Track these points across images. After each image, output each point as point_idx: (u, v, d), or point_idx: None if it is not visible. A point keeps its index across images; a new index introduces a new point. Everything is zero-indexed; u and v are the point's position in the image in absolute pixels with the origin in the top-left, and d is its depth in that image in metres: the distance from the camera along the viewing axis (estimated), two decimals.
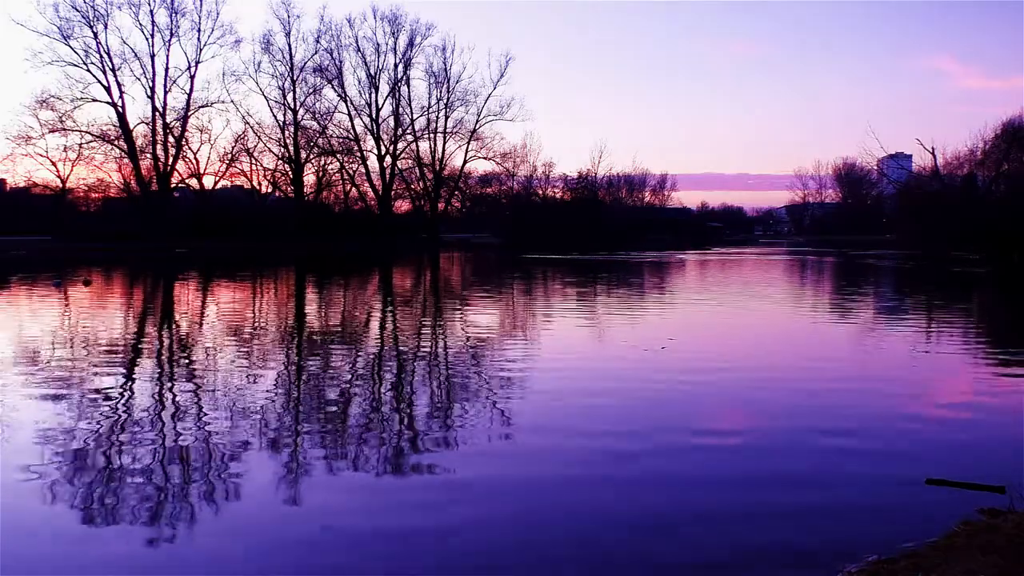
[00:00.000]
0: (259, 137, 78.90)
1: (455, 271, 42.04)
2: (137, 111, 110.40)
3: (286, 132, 79.81)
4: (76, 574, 4.84)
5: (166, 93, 74.15)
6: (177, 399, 9.46)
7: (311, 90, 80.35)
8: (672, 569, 4.92)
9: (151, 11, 72.36)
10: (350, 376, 11.21)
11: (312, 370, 11.67)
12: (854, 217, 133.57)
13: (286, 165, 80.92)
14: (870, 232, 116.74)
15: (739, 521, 5.65)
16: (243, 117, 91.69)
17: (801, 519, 5.71)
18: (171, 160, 74.85)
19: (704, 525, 5.59)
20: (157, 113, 73.87)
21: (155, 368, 11.80)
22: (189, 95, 74.56)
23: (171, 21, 73.02)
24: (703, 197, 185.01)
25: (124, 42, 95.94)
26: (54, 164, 72.84)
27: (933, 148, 72.86)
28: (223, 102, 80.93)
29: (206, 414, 8.64)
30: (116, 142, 72.91)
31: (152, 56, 73.25)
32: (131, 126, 73.19)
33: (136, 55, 76.11)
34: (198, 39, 74.02)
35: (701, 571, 4.89)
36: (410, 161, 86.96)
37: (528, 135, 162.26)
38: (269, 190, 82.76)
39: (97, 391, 9.81)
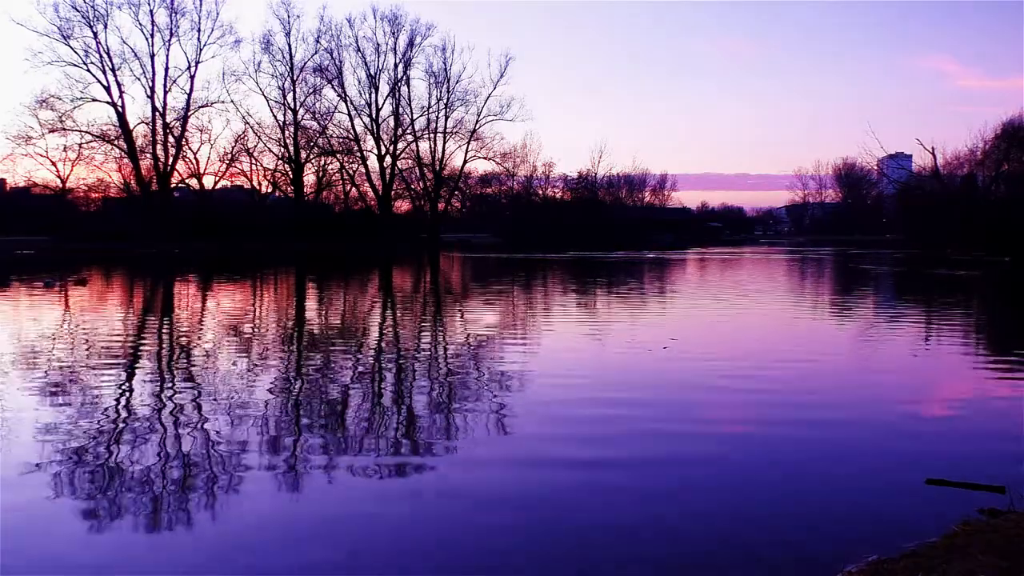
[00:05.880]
0: (259, 137, 79.07)
1: (455, 271, 42.05)
2: (137, 111, 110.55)
3: (286, 132, 79.90)
4: (77, 574, 4.83)
5: (166, 93, 74.30)
6: (171, 400, 9.45)
7: (311, 90, 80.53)
8: (669, 568, 4.91)
9: (151, 11, 72.51)
10: (348, 377, 11.21)
11: (310, 371, 11.66)
12: (854, 217, 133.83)
13: (286, 165, 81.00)
14: (870, 232, 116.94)
15: (738, 520, 5.65)
16: (243, 117, 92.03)
17: (800, 519, 5.71)
18: (171, 160, 74.93)
19: (702, 523, 5.59)
20: (157, 113, 74.00)
21: (147, 369, 11.78)
22: (189, 95, 74.70)
23: (171, 21, 73.18)
24: (703, 197, 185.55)
25: (124, 42, 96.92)
26: (54, 164, 73.10)
27: (933, 148, 72.82)
28: (223, 102, 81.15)
29: (204, 414, 8.63)
30: (116, 142, 73.01)
31: (152, 56, 73.39)
32: (131, 126, 73.34)
33: (136, 55, 76.53)
34: (198, 39, 74.18)
35: (700, 570, 4.89)
36: (410, 161, 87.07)
37: (528, 135, 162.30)
38: (269, 190, 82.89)
39: (82, 392, 9.80)
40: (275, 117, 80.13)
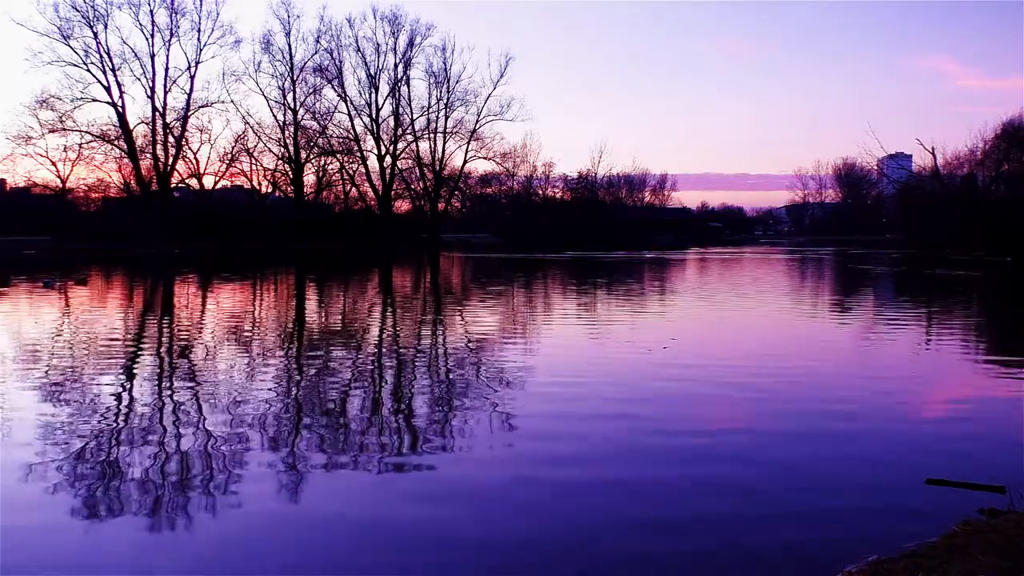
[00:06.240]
0: (259, 137, 79.03)
1: (455, 271, 42.05)
2: (137, 111, 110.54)
3: (286, 132, 79.90)
4: (76, 574, 4.83)
5: (166, 93, 74.27)
6: (170, 401, 9.45)
7: (311, 90, 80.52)
8: (670, 569, 4.91)
9: (151, 11, 72.48)
10: (346, 380, 11.20)
11: (310, 371, 11.66)
12: (854, 217, 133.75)
13: (286, 165, 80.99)
14: (870, 232, 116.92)
15: (739, 520, 5.65)
16: (243, 117, 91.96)
17: (801, 519, 5.71)
18: (171, 160, 74.91)
19: (703, 524, 5.59)
20: (157, 113, 73.97)
21: (147, 370, 11.78)
22: (189, 95, 74.67)
23: (171, 21, 73.15)
24: (703, 197, 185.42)
25: (124, 42, 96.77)
26: (54, 164, 73.05)
27: (933, 148, 72.81)
28: (223, 102, 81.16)
29: (203, 415, 8.63)
30: (116, 142, 72.98)
31: (152, 56, 73.35)
32: (131, 126, 73.30)
33: (136, 55, 76.54)
34: (198, 39, 74.15)
35: (700, 570, 4.89)
36: (410, 161, 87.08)
37: (528, 135, 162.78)
38: (269, 190, 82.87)
39: (82, 393, 9.80)
40: (275, 117, 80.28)
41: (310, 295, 26.64)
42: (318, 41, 79.84)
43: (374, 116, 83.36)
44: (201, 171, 78.62)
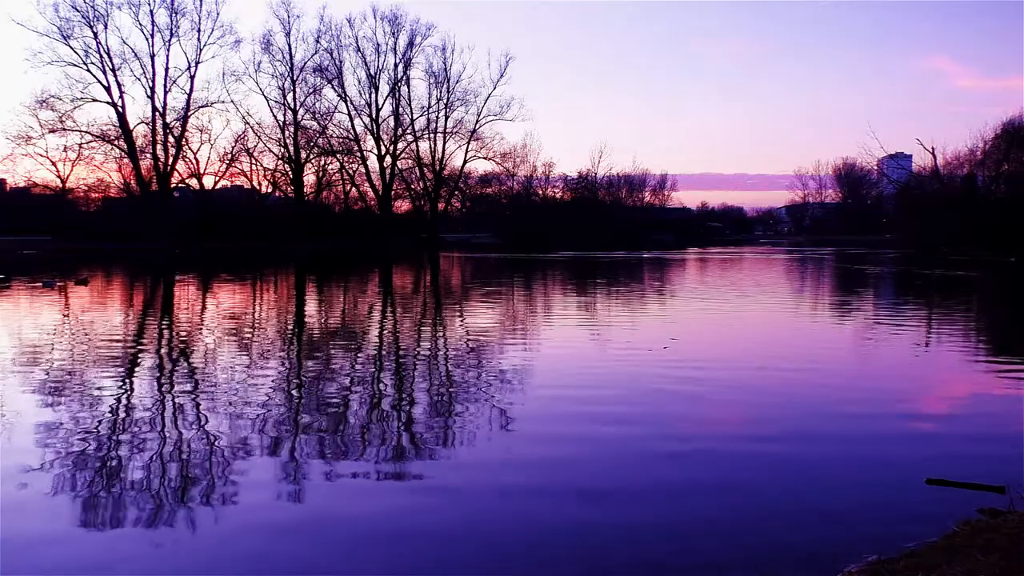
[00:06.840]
0: (259, 137, 79.19)
1: (455, 271, 42.04)
2: (137, 111, 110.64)
3: (286, 132, 80.00)
4: (76, 574, 4.83)
5: (166, 93, 74.42)
6: (172, 401, 9.44)
7: (311, 90, 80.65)
8: (671, 570, 4.91)
9: (151, 11, 72.69)
10: (348, 377, 11.20)
11: (311, 371, 11.66)
12: (854, 217, 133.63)
13: (286, 165, 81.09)
14: (870, 232, 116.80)
15: (738, 520, 5.65)
16: (243, 117, 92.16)
17: (801, 519, 5.70)
18: (171, 160, 75.02)
19: (703, 525, 5.58)
20: (157, 113, 74.08)
21: (147, 371, 11.77)
22: (189, 95, 74.77)
23: (171, 21, 73.31)
24: (703, 197, 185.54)
25: (124, 42, 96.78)
26: (54, 164, 73.18)
27: (933, 148, 73.02)
28: (223, 102, 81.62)
29: (203, 415, 8.63)
30: (116, 142, 73.12)
31: (152, 56, 73.51)
32: (131, 126, 73.47)
33: (136, 55, 76.79)
34: (198, 39, 74.31)
35: (700, 571, 4.89)
36: (410, 161, 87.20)
37: (528, 135, 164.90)
38: (269, 190, 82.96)
39: (81, 394, 9.80)
40: (275, 117, 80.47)
41: (310, 296, 26.64)
42: (318, 41, 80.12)
43: (374, 116, 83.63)
44: (201, 171, 78.88)
